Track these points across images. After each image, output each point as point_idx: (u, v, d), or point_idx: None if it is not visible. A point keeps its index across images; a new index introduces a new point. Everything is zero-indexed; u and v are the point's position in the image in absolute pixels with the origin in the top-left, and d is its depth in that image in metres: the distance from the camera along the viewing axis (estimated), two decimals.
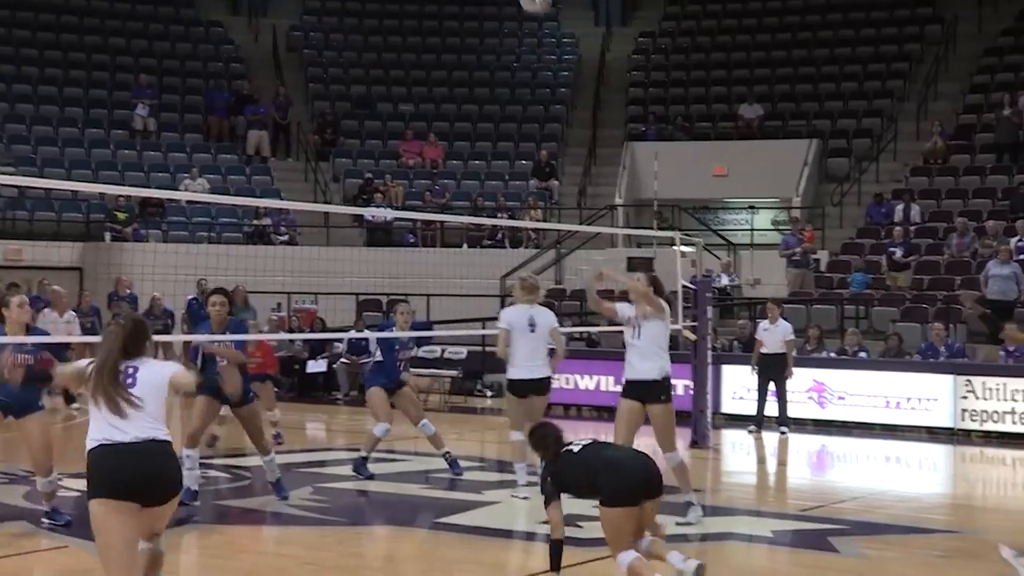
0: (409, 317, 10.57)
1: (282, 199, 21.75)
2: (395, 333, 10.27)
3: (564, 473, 6.23)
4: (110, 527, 4.92)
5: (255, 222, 22.28)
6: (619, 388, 8.44)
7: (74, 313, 16.03)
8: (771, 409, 13.95)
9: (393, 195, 23.07)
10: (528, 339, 9.22)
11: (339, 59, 27.65)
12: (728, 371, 15.08)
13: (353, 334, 16.69)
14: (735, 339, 16.56)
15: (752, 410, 14.06)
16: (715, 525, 8.88)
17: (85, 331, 17.15)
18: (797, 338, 14.37)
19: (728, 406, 15.05)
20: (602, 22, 28.95)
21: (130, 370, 5.12)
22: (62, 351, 15.15)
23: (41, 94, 24.71)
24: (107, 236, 21.07)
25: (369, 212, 20.77)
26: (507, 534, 8.14)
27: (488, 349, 18.35)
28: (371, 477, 10.11)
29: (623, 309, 8.23)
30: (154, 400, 5.10)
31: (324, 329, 18.20)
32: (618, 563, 6.02)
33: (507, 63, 27.95)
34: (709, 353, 12.87)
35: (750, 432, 13.82)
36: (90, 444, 5.04)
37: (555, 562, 6.32)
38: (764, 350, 13.83)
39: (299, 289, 19.83)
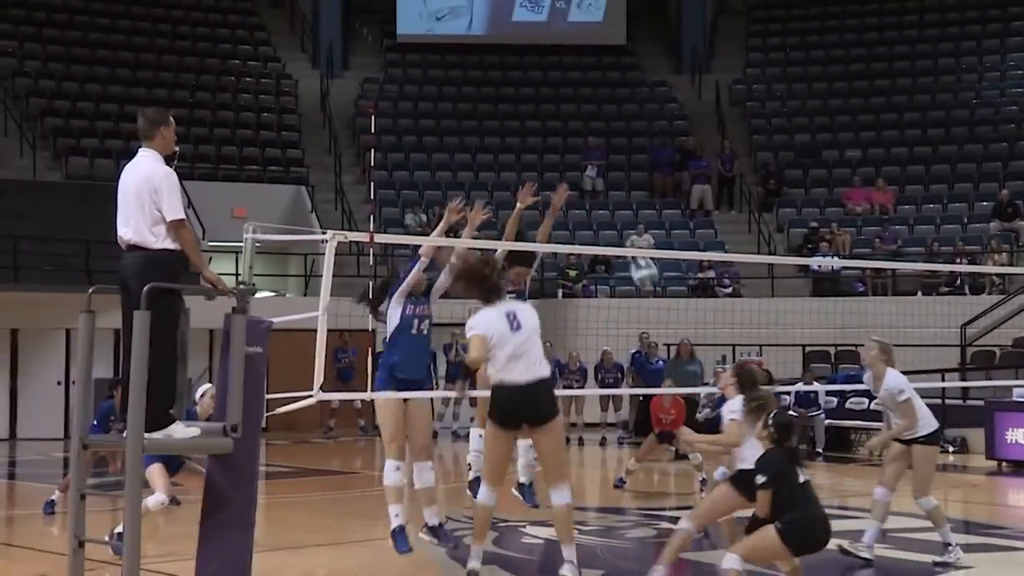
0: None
1: (726, 251, 21.72)
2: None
3: (784, 481, 6.40)
4: None
5: (699, 275, 22.41)
6: None
7: None
8: None
9: (840, 243, 22.34)
10: None
11: (782, 109, 27.35)
12: None
13: (801, 387, 16.27)
14: None
15: None
16: None
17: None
18: None
19: None
20: None
21: None
22: None
23: (501, 163, 26.33)
24: (559, 293, 22.03)
25: (815, 261, 20.22)
26: None
27: (948, 402, 17.18)
28: None
29: None
30: None
31: (770, 382, 17.82)
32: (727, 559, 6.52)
33: (966, 100, 26.31)
34: None
35: None
36: None
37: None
38: None
39: (744, 341, 19.62)
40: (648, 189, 25.86)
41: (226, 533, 6.36)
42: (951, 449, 16.73)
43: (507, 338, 7.04)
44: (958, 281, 20.82)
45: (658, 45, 30.14)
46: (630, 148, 26.81)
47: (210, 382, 9.40)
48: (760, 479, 6.41)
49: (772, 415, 6.62)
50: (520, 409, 7.06)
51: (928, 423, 8.78)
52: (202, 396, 8.97)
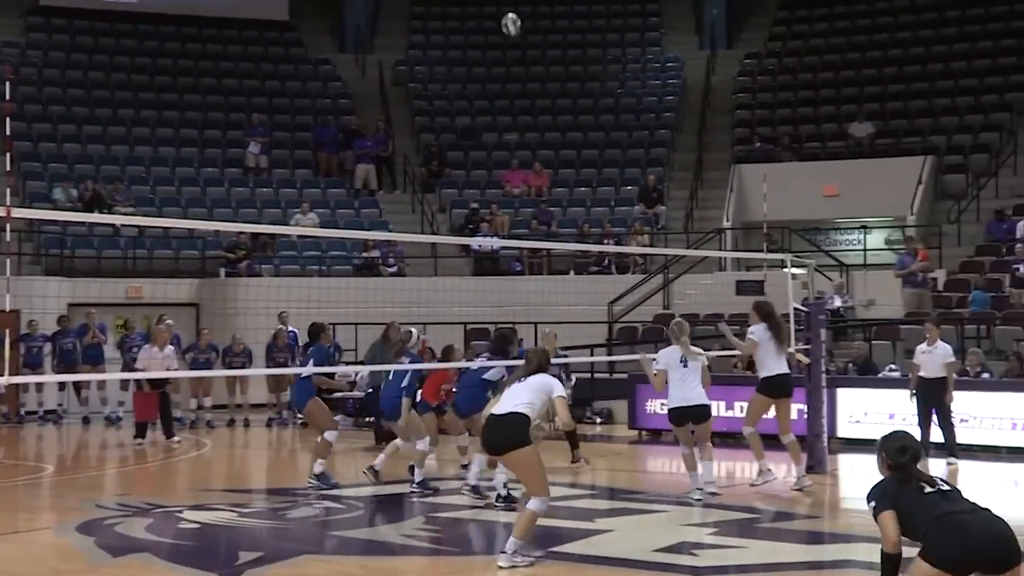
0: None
1: (390, 231, 22.01)
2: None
3: (901, 502, 5.81)
4: None
5: (364, 254, 22.58)
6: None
7: (173, 348, 16.38)
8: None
9: (499, 224, 23.17)
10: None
11: (444, 92, 27.95)
12: (843, 394, 14.70)
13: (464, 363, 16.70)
14: (850, 361, 16.16)
15: (870, 435, 13.57)
16: (833, 552, 8.65)
17: (199, 366, 17.62)
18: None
19: (844, 430, 14.66)
20: (707, 45, 28.75)
21: None
22: (160, 384, 15.62)
23: (159, 136, 25.44)
24: (222, 272, 21.56)
25: (475, 242, 20.88)
26: (620, 563, 8.02)
27: (597, 376, 18.29)
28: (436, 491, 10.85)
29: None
30: None
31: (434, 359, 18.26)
32: None
33: (611, 89, 27.92)
34: (824, 376, 12.56)
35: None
36: None
37: None
38: (923, 374, 13.23)
39: (408, 319, 19.94)
40: (312, 167, 25.74)
41: None
42: (598, 420, 17.84)
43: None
44: (606, 261, 22.14)
45: (322, 22, 30.00)
46: (294, 126, 26.56)
47: None
48: (870, 505, 5.92)
49: (883, 441, 6.07)
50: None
51: None
52: None
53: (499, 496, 10.11)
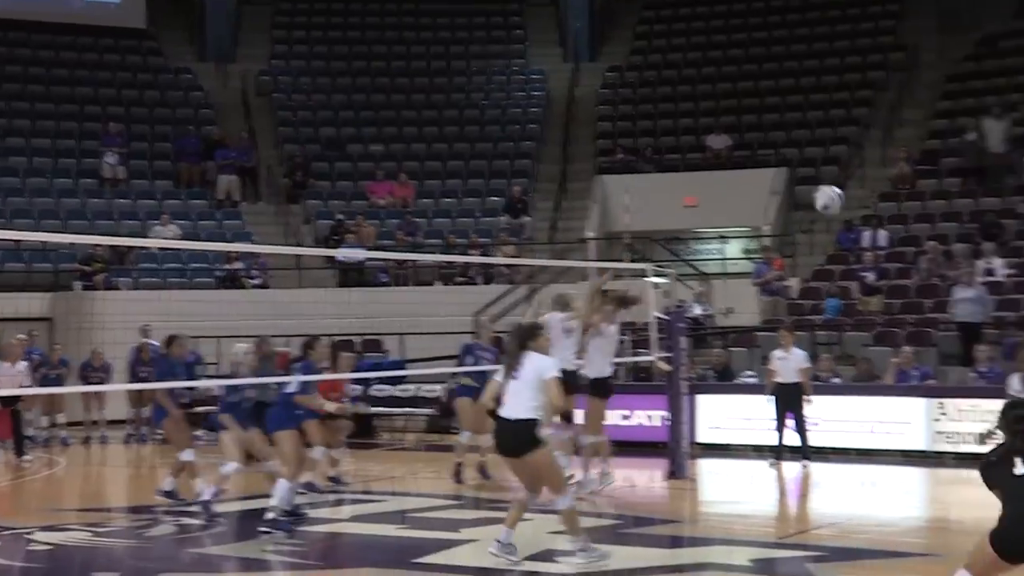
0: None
1: (253, 243, 21.72)
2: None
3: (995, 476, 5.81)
4: None
5: (227, 267, 22.23)
6: None
7: (25, 364, 15.86)
8: (744, 437, 13.92)
9: (365, 235, 23.06)
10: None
11: (308, 102, 27.71)
12: (704, 401, 15.08)
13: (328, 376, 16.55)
14: (710, 368, 16.57)
15: (729, 440, 14.03)
16: (693, 556, 8.87)
17: (49, 382, 17.02)
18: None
19: (704, 436, 15.03)
20: (570, 58, 29.16)
21: None
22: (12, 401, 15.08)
23: (8, 145, 24.63)
24: (77, 285, 20.94)
25: (340, 253, 20.74)
26: (482, 572, 8.08)
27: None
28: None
29: None
30: None
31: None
32: None
33: (476, 101, 28.08)
34: (684, 383, 12.87)
35: (771, 465, 13.64)
36: None
37: None
38: (779, 379, 13.68)
39: (272, 332, 19.69)
40: (173, 178, 25.22)
41: None
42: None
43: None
44: (472, 272, 22.23)
45: (181, 31, 29.43)
46: (153, 136, 25.98)
47: None
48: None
49: (1008, 408, 6.02)
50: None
51: None
52: None
53: (284, 511, 9.43)
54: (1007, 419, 5.94)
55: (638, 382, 16.27)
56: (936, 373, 15.54)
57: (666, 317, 13.04)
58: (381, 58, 28.85)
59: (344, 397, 12.15)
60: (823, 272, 20.21)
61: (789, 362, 13.67)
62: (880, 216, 20.94)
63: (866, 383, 15.28)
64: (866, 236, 20.19)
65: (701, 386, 15.40)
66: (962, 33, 25.14)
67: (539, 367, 7.84)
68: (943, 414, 13.97)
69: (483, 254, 22.13)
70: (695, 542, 9.44)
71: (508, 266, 21.69)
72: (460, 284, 21.91)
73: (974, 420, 13.71)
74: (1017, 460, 5.72)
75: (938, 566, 8.29)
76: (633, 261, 19.76)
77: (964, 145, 21.71)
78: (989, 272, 17.66)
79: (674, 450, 12.55)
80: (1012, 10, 25.00)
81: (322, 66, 28.87)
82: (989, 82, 23.38)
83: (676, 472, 12.42)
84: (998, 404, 13.09)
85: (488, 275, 22.24)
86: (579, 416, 11.58)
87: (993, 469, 5.81)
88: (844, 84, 25.44)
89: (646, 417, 15.21)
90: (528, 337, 7.95)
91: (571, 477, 11.08)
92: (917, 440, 14.13)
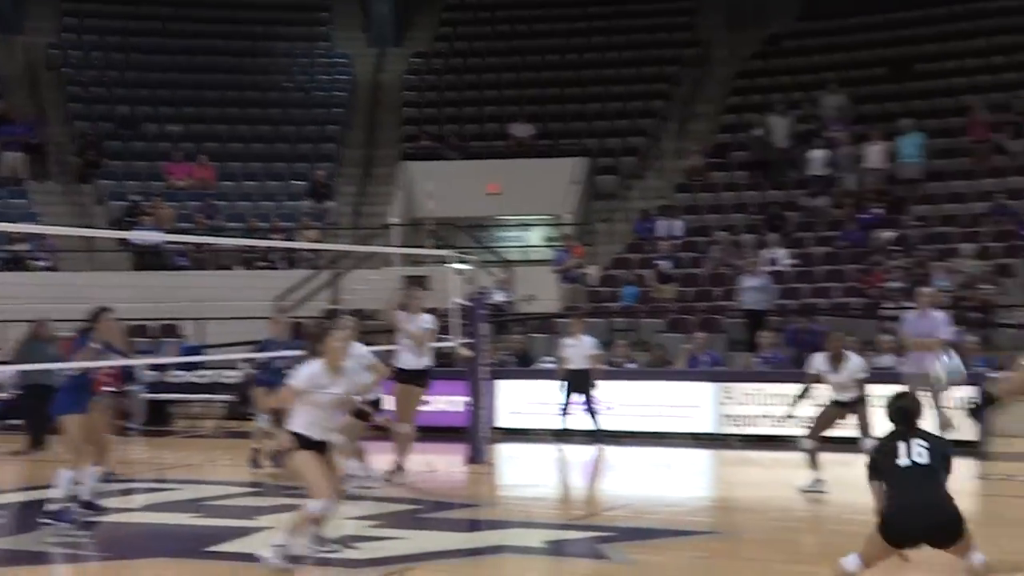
0: None
1: (40, 223, 20.78)
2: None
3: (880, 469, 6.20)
4: None
5: (11, 248, 21.22)
6: None
7: None
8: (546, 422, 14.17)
9: (162, 217, 22.37)
10: None
11: (102, 78, 26.65)
12: (504, 386, 15.31)
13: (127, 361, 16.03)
14: (511, 354, 16.83)
15: (533, 424, 14.28)
16: (489, 539, 9.03)
17: None
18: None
19: (504, 421, 15.27)
20: (375, 43, 28.99)
21: None
22: None
23: None
24: None
25: (135, 236, 20.10)
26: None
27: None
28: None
29: None
30: None
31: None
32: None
33: (280, 83, 27.60)
34: (485, 369, 13.04)
35: (559, 450, 13.91)
36: None
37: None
38: (571, 366, 14.04)
39: (62, 316, 18.93)
40: None
41: None
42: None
43: None
44: (273, 256, 21.89)
45: None
46: None
47: None
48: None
49: (893, 399, 6.37)
50: None
51: None
52: None
53: (83, 503, 9.24)
54: (891, 410, 6.33)
55: (439, 367, 16.35)
56: (724, 359, 16.25)
57: (468, 303, 13.18)
58: (180, 36, 27.96)
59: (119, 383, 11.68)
60: (621, 260, 20.79)
61: (579, 349, 14.15)
62: (676, 206, 21.68)
63: (659, 368, 15.84)
64: (662, 226, 20.87)
65: (501, 372, 15.63)
66: (751, 32, 26.24)
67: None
68: (729, 398, 14.62)
69: (286, 239, 21.82)
70: (492, 525, 9.60)
71: (311, 251, 21.46)
72: (262, 268, 21.57)
73: (758, 404, 14.40)
74: (900, 451, 6.11)
75: (721, 543, 8.72)
76: (436, 247, 19.91)
77: (751, 140, 22.69)
78: (773, 262, 18.54)
79: (474, 435, 12.71)
80: (795, 13, 26.24)
81: (117, 41, 27.80)
82: (775, 80, 24.51)
83: (476, 457, 12.59)
84: (780, 388, 13.86)
85: (291, 260, 21.94)
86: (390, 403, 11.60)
87: (878, 463, 6.21)
88: (641, 77, 26.15)
89: (447, 403, 15.33)
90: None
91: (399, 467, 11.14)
92: (706, 423, 14.74)
